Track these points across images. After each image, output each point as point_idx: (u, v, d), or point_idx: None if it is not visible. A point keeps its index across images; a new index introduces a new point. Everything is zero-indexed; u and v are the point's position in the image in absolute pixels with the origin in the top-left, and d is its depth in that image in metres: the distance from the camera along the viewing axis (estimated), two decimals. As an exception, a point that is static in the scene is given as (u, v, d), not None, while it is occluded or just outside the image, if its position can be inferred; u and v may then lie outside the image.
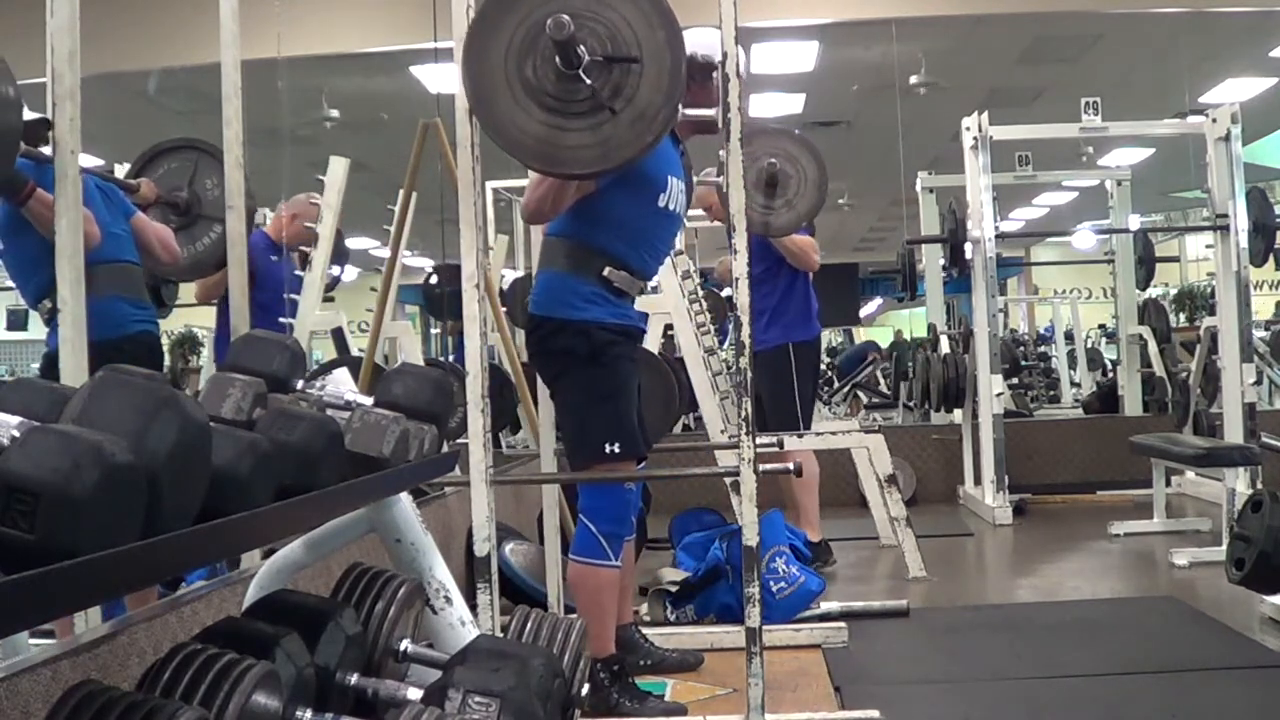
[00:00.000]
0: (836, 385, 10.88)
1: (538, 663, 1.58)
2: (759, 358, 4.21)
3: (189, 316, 7.97)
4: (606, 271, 2.83)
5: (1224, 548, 3.66)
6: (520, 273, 6.12)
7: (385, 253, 4.59)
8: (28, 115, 2.78)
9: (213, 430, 1.23)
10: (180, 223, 3.54)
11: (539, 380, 3.22)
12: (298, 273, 4.63)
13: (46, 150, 2.80)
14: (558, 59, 2.33)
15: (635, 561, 3.46)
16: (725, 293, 6.95)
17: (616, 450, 2.81)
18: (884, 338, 18.78)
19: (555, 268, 2.89)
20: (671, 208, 2.93)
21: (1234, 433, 5.87)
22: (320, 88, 8.02)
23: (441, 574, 2.11)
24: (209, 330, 7.98)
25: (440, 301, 7.28)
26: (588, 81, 2.34)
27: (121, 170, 5.19)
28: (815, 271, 4.85)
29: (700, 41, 2.63)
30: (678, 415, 5.35)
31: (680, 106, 2.42)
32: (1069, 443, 7.41)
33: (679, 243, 4.53)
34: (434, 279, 7.72)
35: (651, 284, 3.81)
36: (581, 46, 2.32)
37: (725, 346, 5.56)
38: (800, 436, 4.69)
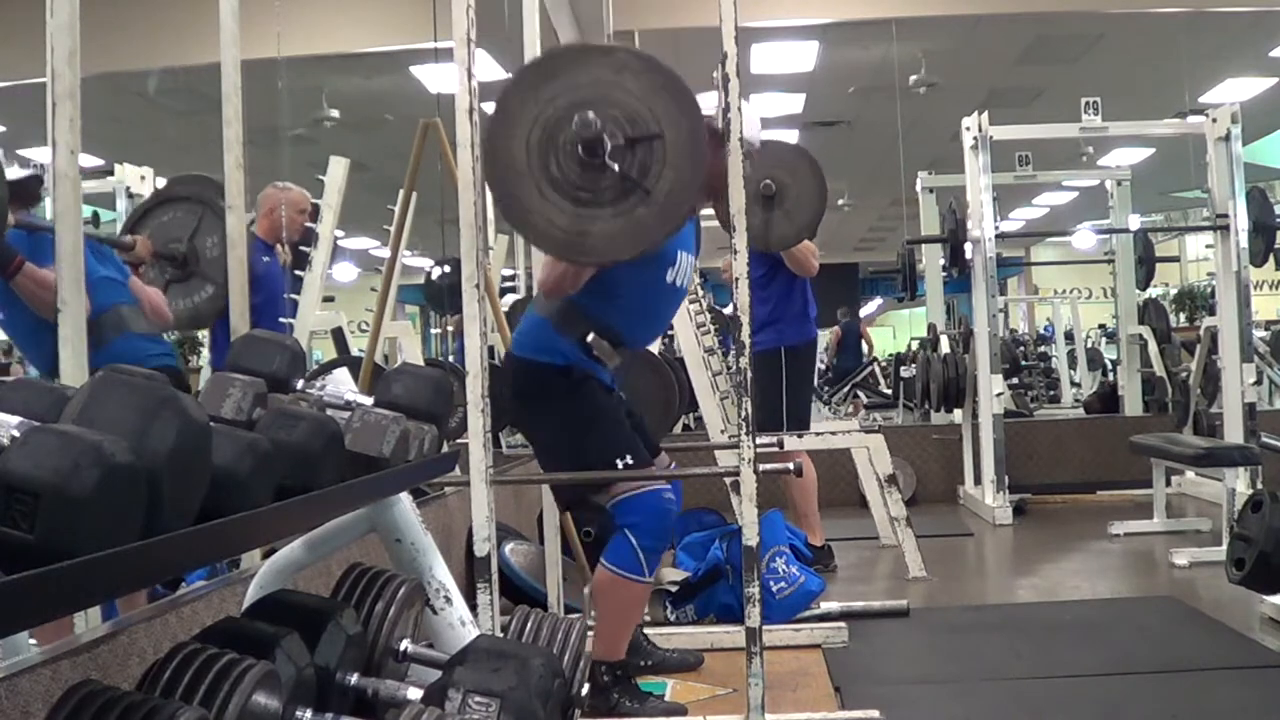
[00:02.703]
0: (837, 385, 10.88)
1: (538, 663, 1.58)
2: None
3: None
4: (590, 338, 2.83)
5: (1224, 548, 3.66)
6: (520, 293, 6.09)
7: (385, 253, 4.59)
8: (18, 173, 2.75)
9: (213, 430, 1.23)
10: (176, 275, 3.49)
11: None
12: (298, 272, 4.63)
13: (38, 210, 2.77)
14: (580, 149, 2.33)
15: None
16: (729, 309, 6.85)
17: (630, 462, 2.79)
18: (884, 338, 18.79)
19: (544, 314, 2.90)
20: (678, 283, 2.93)
21: (1234, 433, 5.87)
22: (320, 88, 8.02)
23: (441, 574, 2.11)
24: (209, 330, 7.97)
25: (440, 295, 7.27)
26: (615, 167, 2.34)
27: (121, 170, 5.20)
28: (813, 276, 4.84)
29: (710, 106, 2.57)
30: (678, 415, 5.35)
31: None
32: (1069, 443, 7.41)
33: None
34: (435, 273, 7.69)
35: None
36: (605, 134, 2.32)
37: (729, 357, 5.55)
38: (800, 436, 4.69)
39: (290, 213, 4.25)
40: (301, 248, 4.56)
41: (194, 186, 3.58)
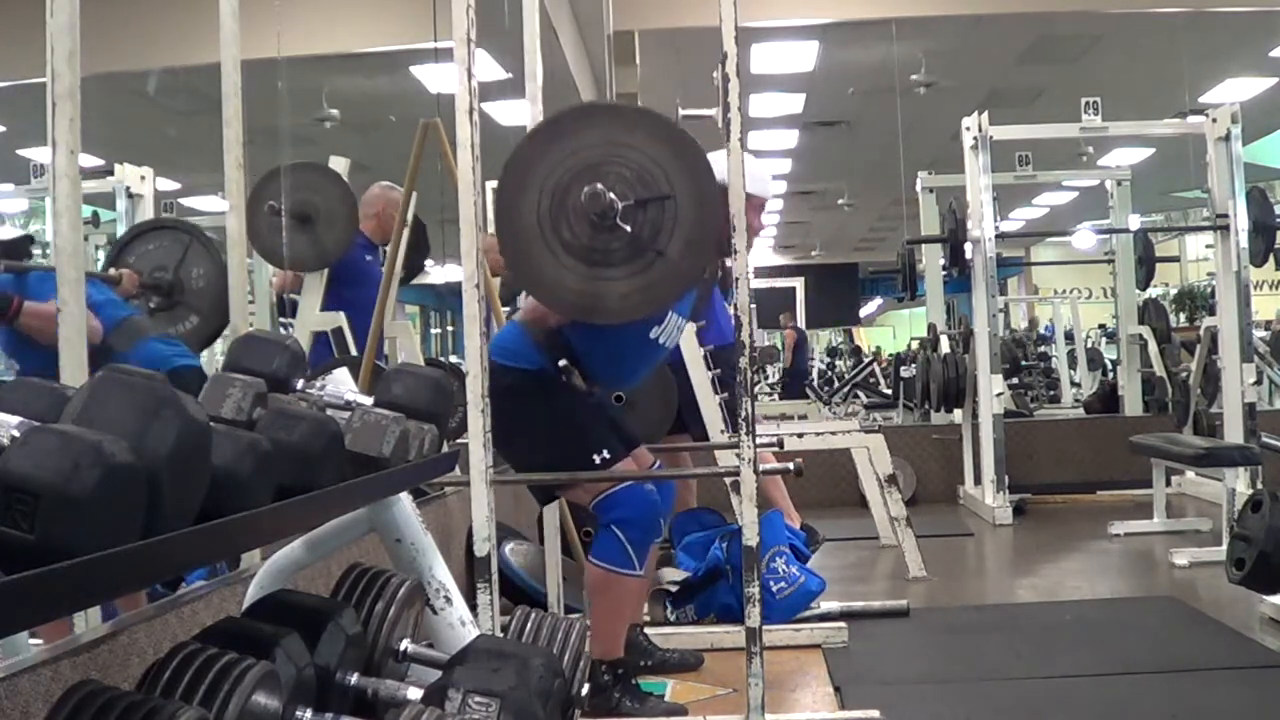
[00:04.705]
0: (837, 385, 10.91)
1: (538, 663, 1.58)
2: (723, 354, 4.21)
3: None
4: (563, 363, 2.83)
5: (1224, 548, 3.66)
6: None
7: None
8: (10, 233, 2.77)
9: (213, 430, 1.23)
10: (161, 304, 3.50)
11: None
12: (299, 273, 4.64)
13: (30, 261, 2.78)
14: (592, 214, 2.32)
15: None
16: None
17: (608, 455, 2.79)
18: (884, 338, 18.81)
19: (525, 325, 2.90)
20: (663, 341, 2.91)
21: (1234, 433, 5.87)
22: (320, 88, 8.01)
23: (441, 574, 2.10)
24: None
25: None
26: (626, 229, 2.33)
27: (121, 169, 5.20)
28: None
29: (720, 167, 2.54)
30: (676, 415, 5.33)
31: None
32: (1069, 443, 7.42)
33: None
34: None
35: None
36: (611, 194, 2.31)
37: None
38: (800, 436, 4.68)
39: (395, 214, 4.29)
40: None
41: (176, 221, 3.60)
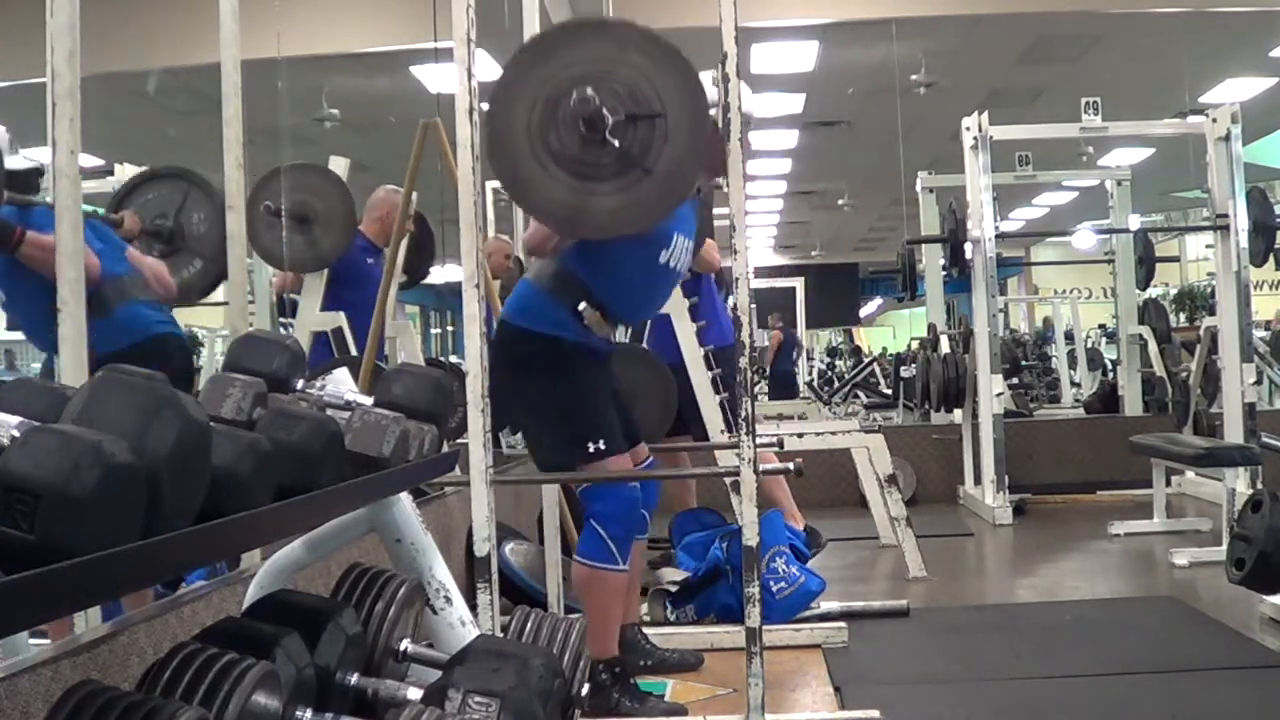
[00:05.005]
0: (837, 385, 10.91)
1: (538, 663, 1.58)
2: (723, 354, 4.21)
3: (189, 317, 7.98)
4: (581, 306, 2.81)
5: (1224, 548, 3.66)
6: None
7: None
8: (23, 164, 2.77)
9: (213, 430, 1.23)
10: (163, 251, 3.51)
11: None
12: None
13: (36, 197, 2.78)
14: (581, 125, 2.32)
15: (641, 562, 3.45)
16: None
17: (602, 446, 2.79)
18: (884, 338, 18.80)
19: (538, 282, 2.89)
20: (672, 265, 2.91)
21: (1234, 433, 5.87)
22: (320, 88, 8.01)
23: (441, 574, 2.10)
24: (209, 330, 7.98)
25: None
26: (615, 144, 2.33)
27: (120, 169, 5.20)
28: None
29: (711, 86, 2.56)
30: (676, 414, 5.33)
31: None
32: (1069, 443, 7.41)
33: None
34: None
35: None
36: (604, 109, 2.31)
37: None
38: (800, 436, 4.68)
39: (398, 217, 4.30)
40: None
41: (174, 169, 3.62)
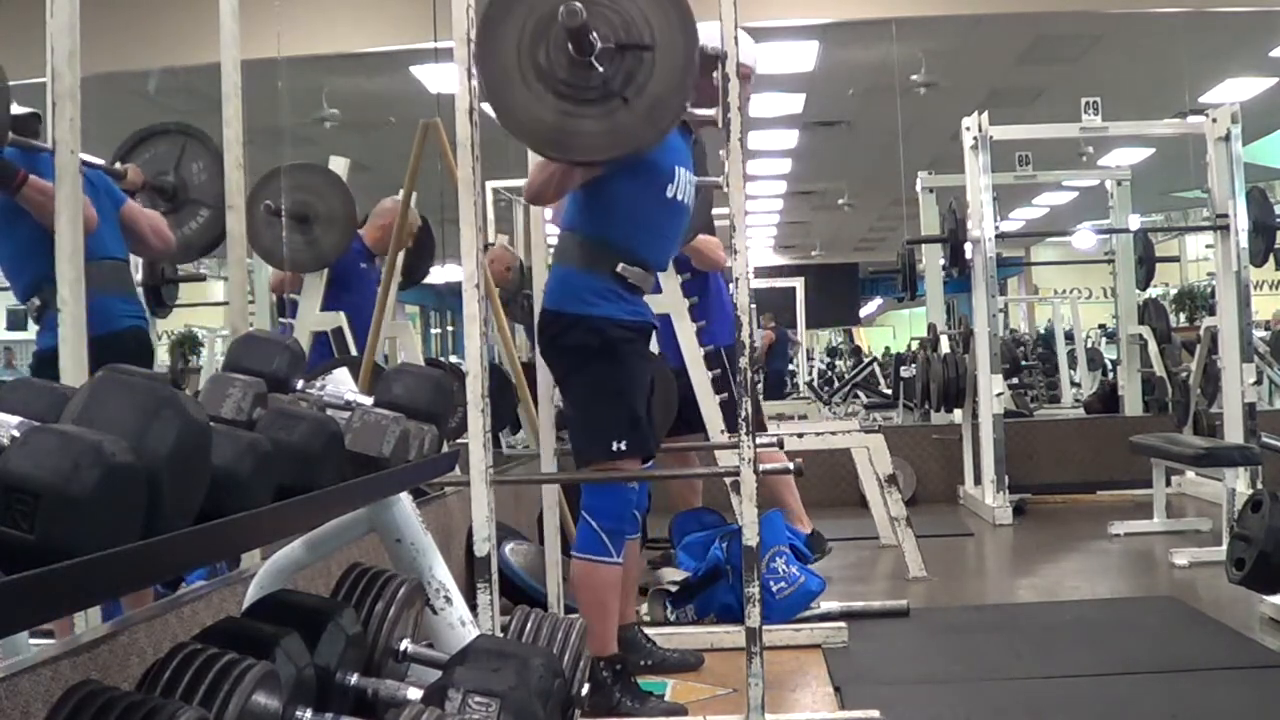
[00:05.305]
0: (837, 385, 10.91)
1: (538, 663, 1.58)
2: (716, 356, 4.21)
3: (189, 316, 7.98)
4: (620, 268, 2.80)
5: (1224, 548, 3.66)
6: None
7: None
8: (17, 109, 2.78)
9: (213, 430, 1.23)
10: (167, 207, 3.52)
11: (539, 379, 3.21)
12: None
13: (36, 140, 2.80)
14: (570, 46, 2.33)
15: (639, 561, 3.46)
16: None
17: (624, 448, 2.79)
18: (884, 338, 18.80)
19: (570, 264, 2.88)
20: (680, 198, 2.90)
21: (1234, 433, 5.87)
22: (320, 88, 8.01)
23: (441, 574, 2.10)
24: (209, 330, 7.98)
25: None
26: (600, 69, 2.34)
27: (120, 169, 5.20)
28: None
29: (711, 34, 2.56)
30: (676, 415, 5.33)
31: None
32: (1069, 443, 7.41)
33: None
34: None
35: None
36: (594, 34, 2.32)
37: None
38: (800, 436, 4.68)
39: (398, 221, 4.31)
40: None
41: (169, 124, 3.62)
